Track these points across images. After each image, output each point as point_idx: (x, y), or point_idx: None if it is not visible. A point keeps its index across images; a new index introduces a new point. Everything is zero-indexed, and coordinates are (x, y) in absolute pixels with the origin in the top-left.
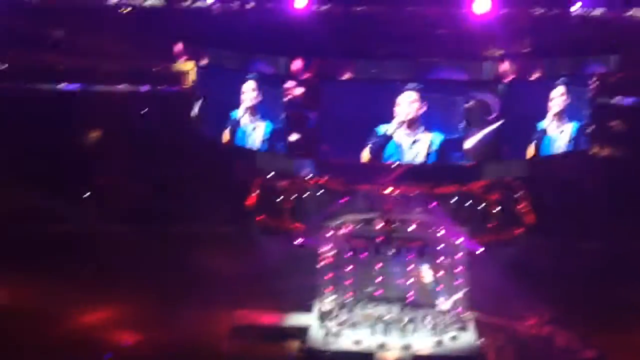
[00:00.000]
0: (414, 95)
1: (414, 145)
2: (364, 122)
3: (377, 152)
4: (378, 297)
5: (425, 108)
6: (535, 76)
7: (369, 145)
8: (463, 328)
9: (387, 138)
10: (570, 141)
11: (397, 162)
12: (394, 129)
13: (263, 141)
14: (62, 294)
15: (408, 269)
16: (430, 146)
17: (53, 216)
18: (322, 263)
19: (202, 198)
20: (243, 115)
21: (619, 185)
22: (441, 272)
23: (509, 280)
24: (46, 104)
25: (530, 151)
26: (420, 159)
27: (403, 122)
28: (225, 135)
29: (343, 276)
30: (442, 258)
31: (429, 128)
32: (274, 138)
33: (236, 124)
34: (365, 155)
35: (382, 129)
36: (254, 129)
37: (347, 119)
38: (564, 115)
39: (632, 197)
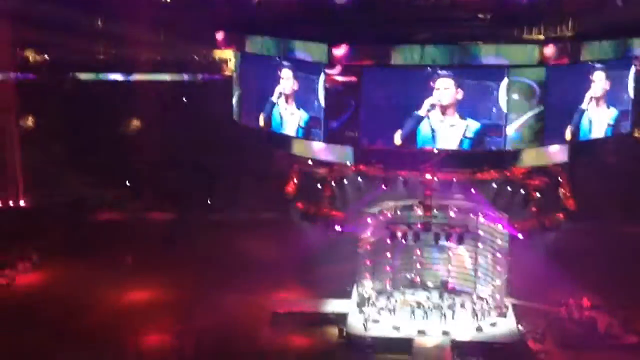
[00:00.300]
0: (449, 82)
1: (449, 131)
2: (403, 108)
3: (409, 136)
4: (417, 283)
5: (461, 95)
6: (577, 60)
7: (400, 129)
8: (503, 314)
9: (418, 120)
10: (610, 126)
11: (434, 148)
12: (425, 112)
13: (299, 128)
14: (105, 279)
15: (448, 255)
16: (465, 132)
17: (98, 204)
18: (361, 249)
19: (242, 185)
20: (279, 103)
21: None
22: (481, 259)
23: (550, 266)
24: (89, 94)
25: (568, 134)
26: (454, 145)
27: (434, 105)
28: (262, 121)
29: (382, 262)
30: (482, 244)
31: (465, 114)
32: (311, 125)
33: (272, 110)
34: (397, 138)
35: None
36: (291, 115)
37: (386, 105)
38: (604, 100)
39: None
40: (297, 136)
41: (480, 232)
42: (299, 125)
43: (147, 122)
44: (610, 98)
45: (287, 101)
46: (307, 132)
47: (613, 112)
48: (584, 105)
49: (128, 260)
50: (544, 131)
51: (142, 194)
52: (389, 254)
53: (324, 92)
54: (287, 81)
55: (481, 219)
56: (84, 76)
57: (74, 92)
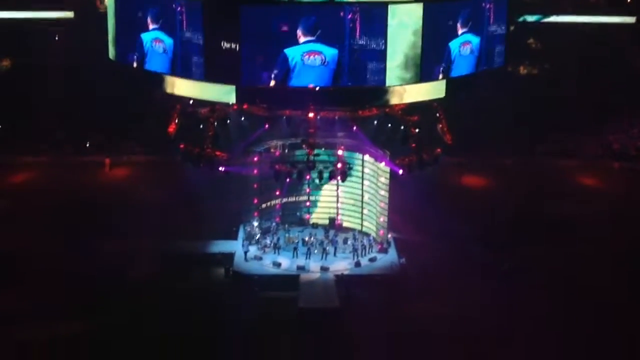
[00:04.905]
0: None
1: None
2: (282, 44)
3: (288, 73)
4: (307, 221)
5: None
6: None
7: (280, 67)
8: (385, 250)
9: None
10: (479, 58)
11: (315, 86)
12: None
13: (178, 66)
14: None
15: (333, 192)
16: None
17: None
18: (246, 189)
19: (121, 126)
20: (154, 39)
21: (536, 102)
22: (366, 196)
23: (430, 200)
24: None
25: (444, 70)
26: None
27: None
28: (136, 59)
29: (268, 201)
30: (367, 182)
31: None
32: (191, 63)
33: (149, 47)
34: (276, 77)
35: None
36: (166, 51)
37: (267, 42)
38: (473, 33)
39: (548, 112)
40: (177, 73)
41: (365, 170)
42: (177, 62)
43: (17, 61)
44: (481, 33)
45: (161, 37)
46: (186, 70)
47: (476, 44)
48: (457, 41)
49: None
50: (421, 67)
51: (14, 136)
52: (275, 193)
53: (203, 29)
54: (160, 14)
55: (365, 157)
56: None
57: None
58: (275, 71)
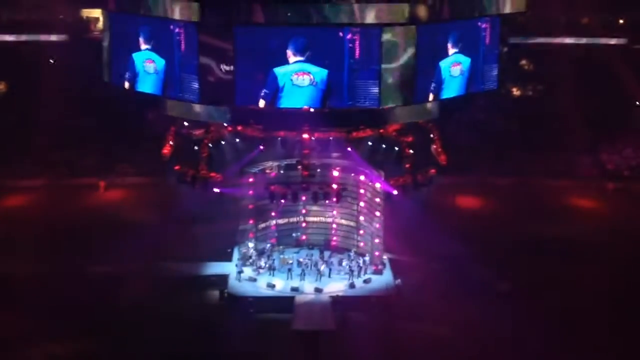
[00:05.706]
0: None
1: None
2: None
3: (282, 95)
4: (303, 242)
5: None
6: (443, 18)
7: (274, 89)
8: (380, 271)
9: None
10: (470, 81)
11: (310, 107)
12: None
13: (172, 88)
14: None
15: (328, 213)
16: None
17: None
18: (241, 210)
19: (116, 148)
20: (146, 59)
21: (530, 123)
22: (362, 217)
23: (424, 221)
24: None
25: (436, 92)
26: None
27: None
28: (129, 81)
29: (264, 222)
30: (362, 203)
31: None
32: (186, 85)
33: (142, 70)
34: (268, 98)
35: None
36: (154, 71)
37: (261, 65)
38: (463, 53)
39: (541, 133)
40: (170, 96)
41: (361, 191)
42: (172, 84)
43: (12, 85)
44: (472, 54)
45: (153, 59)
46: (180, 92)
47: (465, 65)
48: (448, 61)
49: None
50: (415, 89)
51: (8, 159)
52: (270, 214)
53: (198, 53)
54: (153, 39)
55: (359, 177)
56: None
57: None
58: (266, 91)
